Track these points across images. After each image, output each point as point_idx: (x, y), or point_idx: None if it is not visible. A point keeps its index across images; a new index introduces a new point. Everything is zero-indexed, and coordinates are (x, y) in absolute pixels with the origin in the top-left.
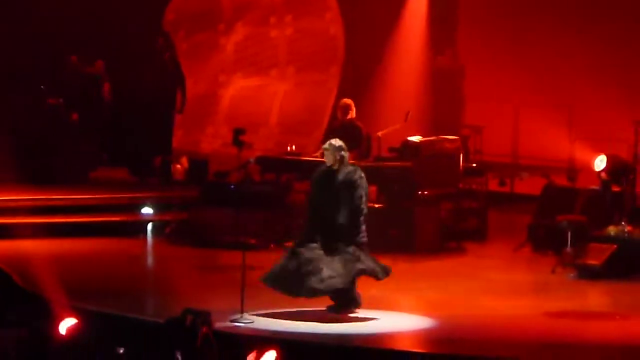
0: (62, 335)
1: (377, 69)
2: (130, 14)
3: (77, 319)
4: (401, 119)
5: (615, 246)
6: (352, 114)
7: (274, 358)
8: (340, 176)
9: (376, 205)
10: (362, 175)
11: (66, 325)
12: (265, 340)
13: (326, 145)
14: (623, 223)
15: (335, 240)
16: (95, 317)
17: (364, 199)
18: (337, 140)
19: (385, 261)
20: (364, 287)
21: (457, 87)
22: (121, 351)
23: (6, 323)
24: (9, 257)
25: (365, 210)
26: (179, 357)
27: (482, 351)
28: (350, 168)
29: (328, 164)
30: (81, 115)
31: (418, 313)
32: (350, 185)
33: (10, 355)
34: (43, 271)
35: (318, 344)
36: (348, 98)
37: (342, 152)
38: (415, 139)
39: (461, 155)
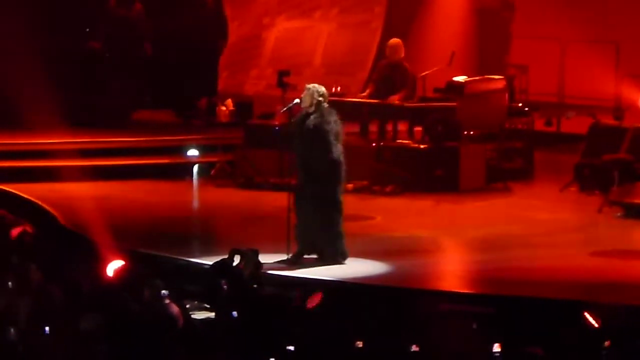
0: (109, 277)
1: (421, 8)
2: None
3: (124, 260)
4: (446, 60)
5: None
6: (401, 53)
7: (319, 299)
8: (311, 121)
9: (421, 146)
10: (335, 120)
11: (113, 267)
12: (312, 282)
13: (308, 86)
14: None
15: (310, 188)
16: (142, 258)
17: (332, 145)
18: (321, 86)
19: (429, 202)
20: (407, 227)
21: (504, 26)
22: (165, 292)
23: (54, 267)
24: (55, 199)
25: (336, 155)
26: (225, 287)
27: (528, 291)
28: (323, 113)
29: (303, 105)
30: (121, 57)
31: (463, 253)
32: (319, 130)
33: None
34: (89, 213)
35: (363, 285)
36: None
37: (321, 99)
38: (460, 79)
39: (506, 95)
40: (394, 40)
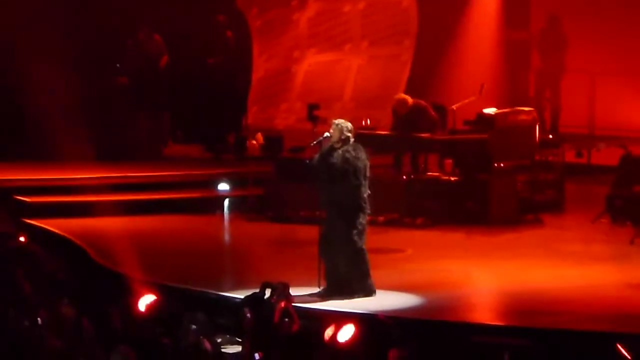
0: (141, 311)
1: (451, 41)
2: None
3: (156, 295)
4: (476, 91)
5: None
6: (410, 102)
7: (352, 332)
8: (342, 156)
9: (452, 178)
10: (365, 156)
11: (145, 301)
12: (343, 314)
13: (335, 121)
14: None
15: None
16: (174, 293)
17: (363, 182)
18: (347, 122)
19: (460, 234)
20: (437, 260)
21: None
22: (194, 327)
23: (87, 302)
24: (86, 234)
25: (366, 192)
26: (248, 315)
27: (561, 323)
28: (355, 148)
29: (332, 140)
30: (143, 91)
31: (494, 285)
32: (351, 165)
33: (87, 333)
34: (121, 248)
35: (396, 318)
36: (407, 91)
37: (349, 134)
38: (491, 111)
39: (537, 127)
40: (398, 97)
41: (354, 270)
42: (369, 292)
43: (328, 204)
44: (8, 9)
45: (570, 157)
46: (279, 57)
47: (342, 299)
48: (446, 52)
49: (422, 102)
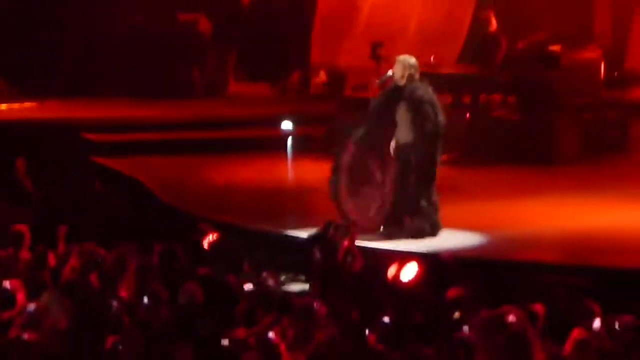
0: (205, 250)
1: None
2: None
3: (220, 234)
4: (544, 28)
5: None
6: (494, 25)
7: (415, 271)
8: (406, 93)
9: (515, 117)
10: (430, 92)
11: (209, 240)
12: (406, 254)
13: (399, 58)
14: None
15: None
16: (237, 232)
17: (430, 116)
18: (412, 57)
19: (523, 173)
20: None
21: None
22: (257, 265)
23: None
24: (151, 173)
25: (434, 130)
26: (318, 254)
27: (621, 262)
28: (416, 84)
29: (395, 77)
30: (217, 29)
31: (556, 224)
32: (416, 102)
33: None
34: (184, 186)
35: (458, 257)
36: (487, 9)
37: (412, 70)
38: (555, 48)
39: (602, 65)
40: (486, 14)
41: (425, 204)
42: (435, 228)
43: (397, 141)
44: None
45: (637, 95)
46: None
47: (406, 236)
48: None
49: (502, 39)
